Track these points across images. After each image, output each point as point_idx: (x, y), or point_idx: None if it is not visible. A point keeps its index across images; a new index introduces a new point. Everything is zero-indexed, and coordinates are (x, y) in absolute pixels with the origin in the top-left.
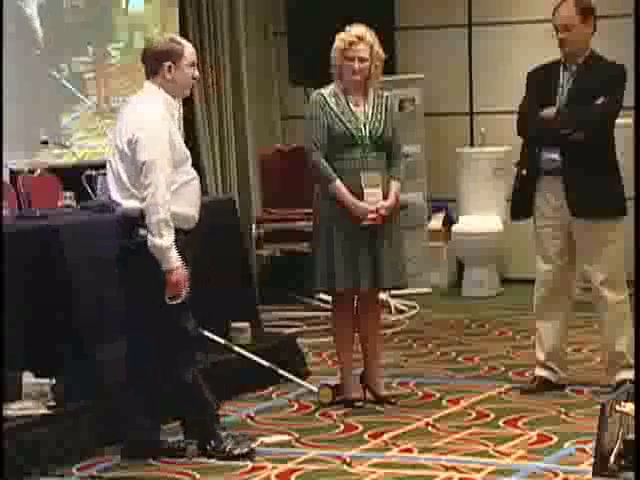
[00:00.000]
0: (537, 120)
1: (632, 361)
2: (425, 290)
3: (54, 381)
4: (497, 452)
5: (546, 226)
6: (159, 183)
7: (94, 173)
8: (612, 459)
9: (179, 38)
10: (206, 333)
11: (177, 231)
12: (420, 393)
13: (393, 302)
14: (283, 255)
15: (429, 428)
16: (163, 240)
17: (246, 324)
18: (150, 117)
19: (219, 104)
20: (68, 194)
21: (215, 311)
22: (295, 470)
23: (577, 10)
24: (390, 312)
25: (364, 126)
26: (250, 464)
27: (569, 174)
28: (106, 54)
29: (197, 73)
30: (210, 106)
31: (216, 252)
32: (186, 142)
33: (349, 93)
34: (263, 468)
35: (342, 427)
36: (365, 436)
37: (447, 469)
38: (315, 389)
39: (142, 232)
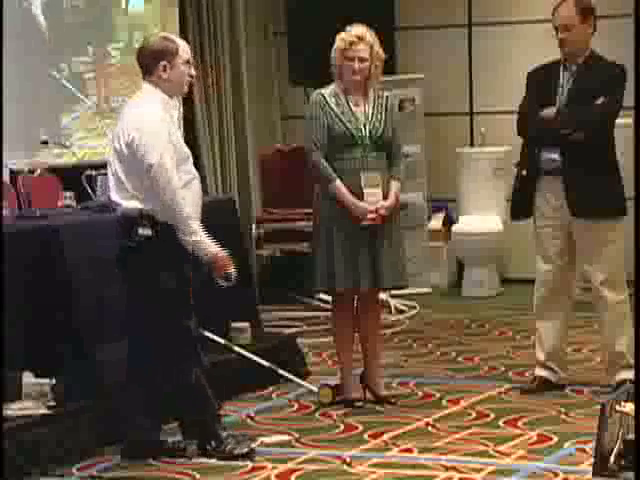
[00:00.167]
0: (537, 120)
1: (632, 361)
2: (425, 290)
3: (54, 381)
4: (497, 452)
5: (546, 226)
6: (172, 182)
7: (94, 173)
8: (612, 459)
9: (172, 36)
10: (206, 333)
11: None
12: (420, 393)
13: (393, 302)
14: (283, 255)
15: (429, 428)
16: (196, 235)
17: (246, 324)
18: (149, 118)
19: (219, 104)
20: (68, 194)
21: (215, 311)
22: (295, 470)
23: (577, 10)
24: (390, 312)
25: (364, 126)
26: (250, 464)
27: (569, 174)
28: (106, 54)
29: (193, 70)
30: (210, 106)
31: None
32: (186, 142)
33: (349, 93)
34: (263, 468)
35: (342, 427)
36: (365, 436)
37: (447, 469)
38: (315, 389)
39: (142, 232)
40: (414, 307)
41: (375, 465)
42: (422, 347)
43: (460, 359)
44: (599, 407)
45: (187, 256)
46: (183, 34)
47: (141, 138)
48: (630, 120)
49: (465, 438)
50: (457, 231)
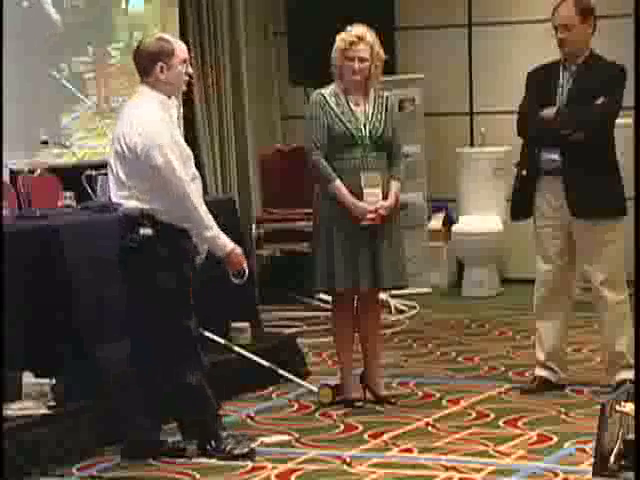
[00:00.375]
0: (537, 120)
1: (632, 361)
2: (425, 290)
3: (54, 381)
4: (497, 452)
5: (546, 226)
6: (182, 181)
7: (94, 173)
8: (612, 459)
9: (167, 36)
10: (206, 333)
11: (181, 231)
12: (420, 393)
13: (393, 302)
14: (283, 255)
15: (429, 428)
16: (213, 230)
17: (246, 324)
18: (149, 119)
19: (219, 104)
20: (68, 194)
21: (215, 311)
22: (295, 470)
23: (577, 10)
24: (390, 312)
25: (364, 126)
26: (250, 464)
27: (569, 174)
28: (106, 54)
29: (190, 69)
30: (210, 106)
31: None
32: (186, 142)
33: (349, 93)
34: (263, 468)
35: (342, 427)
36: (365, 436)
37: (447, 469)
38: (315, 389)
39: (143, 232)
40: (414, 307)
41: (375, 465)
42: (422, 347)
43: (460, 359)
44: (599, 407)
45: (187, 256)
46: (183, 34)
47: (145, 142)
48: (630, 120)
49: (465, 438)
50: (457, 231)
